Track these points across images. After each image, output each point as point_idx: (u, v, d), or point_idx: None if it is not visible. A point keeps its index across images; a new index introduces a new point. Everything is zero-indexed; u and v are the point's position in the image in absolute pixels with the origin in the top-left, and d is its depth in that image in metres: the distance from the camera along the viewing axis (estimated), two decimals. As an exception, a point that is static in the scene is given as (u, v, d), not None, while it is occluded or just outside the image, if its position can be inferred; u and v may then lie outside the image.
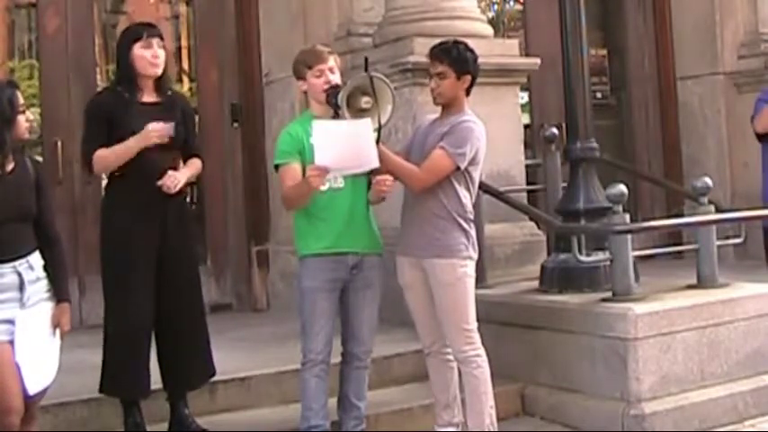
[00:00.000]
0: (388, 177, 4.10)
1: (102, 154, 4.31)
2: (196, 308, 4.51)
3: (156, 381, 4.43)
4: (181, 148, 4.47)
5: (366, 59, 4.13)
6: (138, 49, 4.38)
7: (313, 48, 4.53)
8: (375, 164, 4.02)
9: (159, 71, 4.42)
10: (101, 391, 4.37)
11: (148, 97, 4.42)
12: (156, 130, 4.26)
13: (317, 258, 4.20)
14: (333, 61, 4.30)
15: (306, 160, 4.18)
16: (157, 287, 4.34)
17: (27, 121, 3.83)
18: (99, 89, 6.08)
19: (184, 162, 4.51)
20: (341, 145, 3.96)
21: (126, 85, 4.41)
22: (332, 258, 4.19)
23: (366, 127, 3.99)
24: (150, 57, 4.38)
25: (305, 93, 4.39)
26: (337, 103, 4.01)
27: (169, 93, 4.51)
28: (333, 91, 4.13)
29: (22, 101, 3.79)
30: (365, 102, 3.99)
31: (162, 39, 4.48)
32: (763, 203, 6.29)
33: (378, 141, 4.06)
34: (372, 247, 4.30)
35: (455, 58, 4.29)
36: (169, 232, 4.37)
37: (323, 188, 4.08)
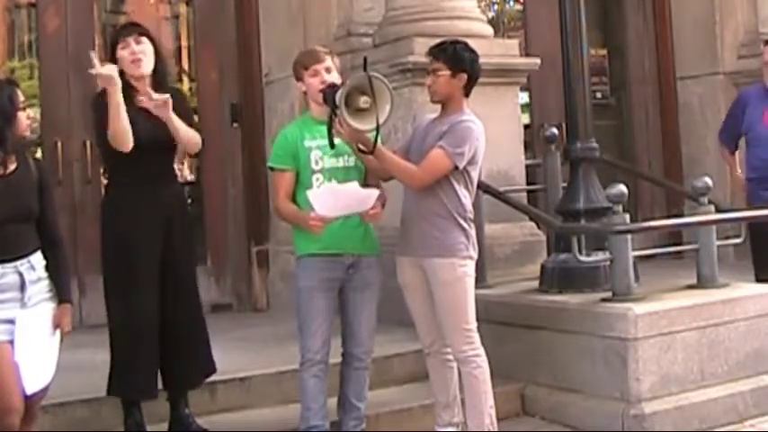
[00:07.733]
0: (377, 207, 4.13)
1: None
2: (195, 308, 4.50)
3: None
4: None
5: (365, 59, 4.12)
6: (119, 52, 4.35)
7: (311, 49, 4.57)
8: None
9: (144, 68, 4.34)
10: (109, 393, 4.34)
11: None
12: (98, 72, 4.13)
13: (313, 258, 4.20)
14: (330, 61, 4.30)
15: (299, 164, 4.21)
16: (159, 288, 4.33)
17: (27, 118, 3.84)
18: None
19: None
20: (340, 204, 4.06)
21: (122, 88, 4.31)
22: (328, 258, 4.19)
23: (365, 193, 4.08)
24: (128, 55, 4.32)
25: (304, 94, 4.39)
26: (335, 103, 4.00)
27: (168, 89, 4.40)
28: (330, 90, 4.10)
29: (22, 98, 3.81)
30: (363, 101, 3.98)
31: (142, 34, 4.37)
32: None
33: (376, 141, 4.08)
34: (368, 248, 4.30)
35: (449, 55, 4.30)
36: (172, 233, 4.36)
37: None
